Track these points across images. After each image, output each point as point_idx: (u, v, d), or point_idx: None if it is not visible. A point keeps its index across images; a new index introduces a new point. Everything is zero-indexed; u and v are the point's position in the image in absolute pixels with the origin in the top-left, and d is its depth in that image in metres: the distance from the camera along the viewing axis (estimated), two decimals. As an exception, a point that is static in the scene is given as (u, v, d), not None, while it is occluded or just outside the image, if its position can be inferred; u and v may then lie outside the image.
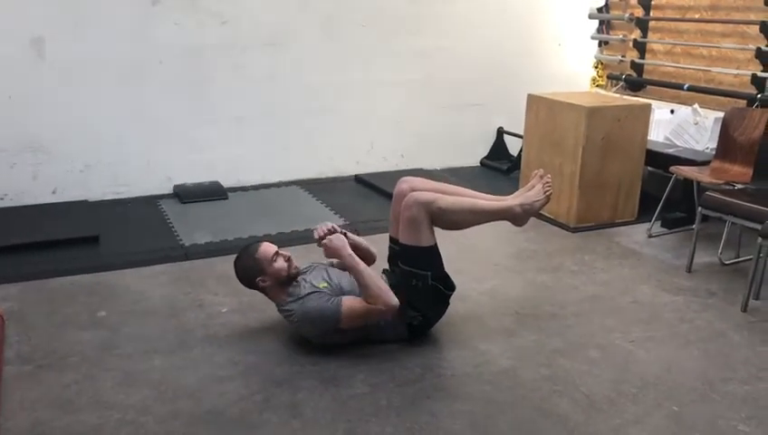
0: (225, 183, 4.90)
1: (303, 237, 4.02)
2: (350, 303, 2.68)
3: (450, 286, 2.88)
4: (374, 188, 5.03)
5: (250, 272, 2.80)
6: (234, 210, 4.51)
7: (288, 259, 2.81)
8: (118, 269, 3.53)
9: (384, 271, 2.98)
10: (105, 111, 4.53)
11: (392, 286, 2.78)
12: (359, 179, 5.27)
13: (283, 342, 2.85)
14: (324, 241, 2.83)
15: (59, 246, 3.76)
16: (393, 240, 2.99)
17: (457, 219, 2.91)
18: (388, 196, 4.79)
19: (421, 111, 5.47)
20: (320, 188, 5.03)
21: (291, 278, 2.80)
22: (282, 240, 3.95)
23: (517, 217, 2.99)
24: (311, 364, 2.68)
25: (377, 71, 5.27)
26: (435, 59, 5.41)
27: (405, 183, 3.01)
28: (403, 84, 5.37)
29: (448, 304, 2.92)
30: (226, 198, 4.73)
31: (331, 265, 2.98)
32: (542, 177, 3.03)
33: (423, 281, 2.78)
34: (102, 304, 3.15)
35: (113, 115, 4.55)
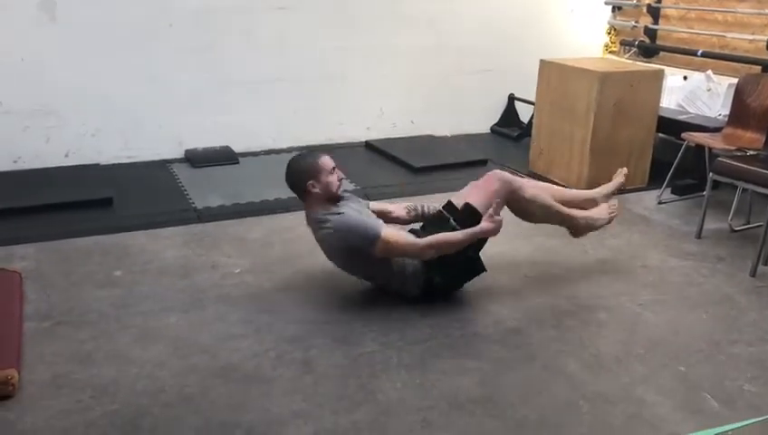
0: (236, 148, 4.92)
1: (314, 201, 4.06)
2: (391, 231, 2.72)
3: (480, 267, 2.91)
4: (384, 154, 5.04)
5: (305, 174, 2.80)
6: (245, 175, 4.54)
7: (341, 180, 2.87)
8: (132, 231, 3.57)
9: (411, 230, 2.97)
10: (116, 74, 4.53)
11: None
12: (368, 145, 5.27)
13: (295, 302, 2.89)
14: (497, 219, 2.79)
15: (73, 208, 3.80)
16: (450, 207, 2.93)
17: (533, 210, 3.03)
18: (398, 162, 4.84)
19: (431, 77, 5.44)
20: (330, 153, 5.01)
21: (336, 198, 2.84)
22: (294, 204, 3.97)
23: (577, 229, 3.19)
24: (323, 323, 2.73)
25: (387, 36, 5.24)
26: (446, 24, 5.37)
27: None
28: (413, 50, 5.33)
29: (469, 280, 2.96)
30: (238, 163, 4.76)
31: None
32: (609, 201, 3.27)
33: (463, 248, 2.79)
34: (117, 264, 3.20)
35: (125, 79, 4.56)
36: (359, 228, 2.71)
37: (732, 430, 2.14)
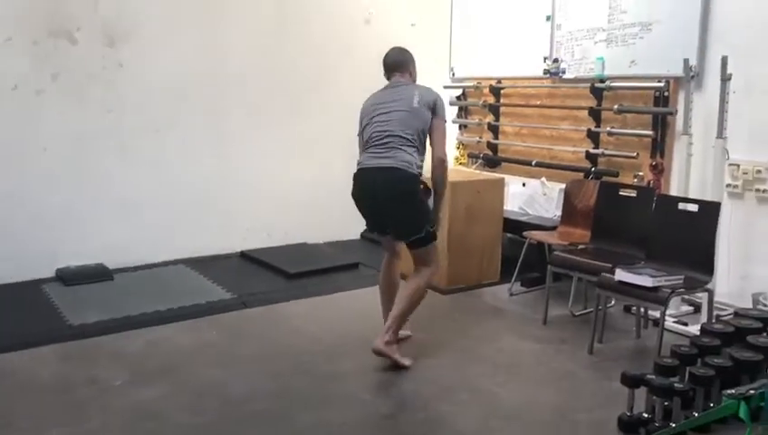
0: (110, 265, 4.94)
1: (192, 313, 4.17)
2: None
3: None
4: (260, 263, 5.26)
5: (413, 60, 3.71)
6: (120, 290, 4.57)
7: None
8: (4, 352, 3.51)
9: None
10: (-16, 196, 4.52)
11: None
12: (244, 255, 5.47)
13: (176, 408, 2.99)
14: None
15: (-63, 334, 3.69)
16: None
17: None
18: (274, 270, 5.07)
19: (303, 189, 5.79)
20: (206, 265, 5.17)
21: None
22: (170, 316, 4.10)
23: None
24: (201, 427, 2.84)
25: (258, 152, 5.58)
26: (316, 142, 5.79)
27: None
28: (284, 164, 5.69)
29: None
30: (112, 280, 4.78)
31: None
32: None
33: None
34: (-10, 386, 3.15)
35: (-7, 200, 4.56)
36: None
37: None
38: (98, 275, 4.80)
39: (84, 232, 4.90)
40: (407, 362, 3.46)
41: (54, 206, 4.77)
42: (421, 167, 3.55)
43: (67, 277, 4.70)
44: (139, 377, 3.27)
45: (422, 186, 3.54)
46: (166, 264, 5.20)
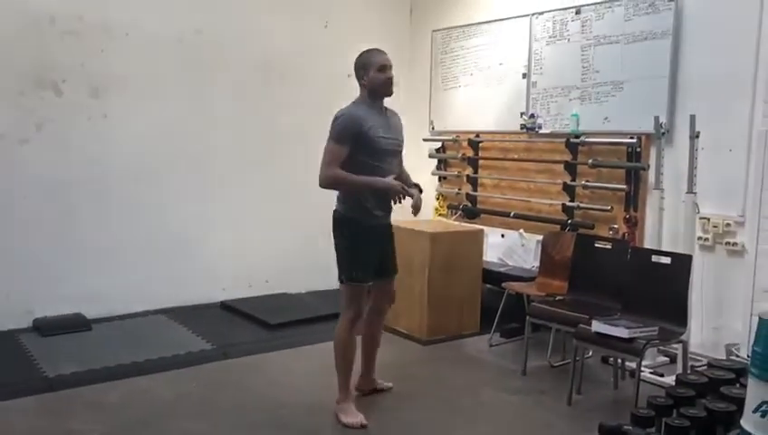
0: (89, 314, 4.90)
1: (172, 364, 4.14)
2: (338, 156, 3.21)
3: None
4: (240, 314, 5.25)
5: (363, 64, 3.23)
6: (98, 341, 4.53)
7: (389, 78, 3.23)
8: (-23, 405, 3.47)
9: None
10: (-37, 246, 4.50)
11: None
12: (224, 306, 5.46)
13: (156, 462, 2.96)
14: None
15: None
16: None
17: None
18: (255, 320, 5.06)
19: (285, 238, 5.83)
20: (186, 315, 5.15)
21: (380, 95, 3.25)
22: (149, 367, 4.06)
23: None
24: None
25: (241, 200, 5.64)
26: (298, 192, 5.84)
27: None
28: (267, 212, 5.74)
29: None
30: (90, 330, 4.73)
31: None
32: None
33: None
34: (-38, 440, 3.10)
35: (-28, 249, 4.53)
36: (344, 122, 3.15)
37: None
38: (76, 325, 4.75)
39: (63, 281, 4.87)
40: (344, 419, 3.36)
41: (32, 255, 4.75)
42: (350, 200, 3.43)
43: (44, 328, 4.65)
44: (117, 430, 3.23)
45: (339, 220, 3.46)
46: (145, 314, 5.17)
